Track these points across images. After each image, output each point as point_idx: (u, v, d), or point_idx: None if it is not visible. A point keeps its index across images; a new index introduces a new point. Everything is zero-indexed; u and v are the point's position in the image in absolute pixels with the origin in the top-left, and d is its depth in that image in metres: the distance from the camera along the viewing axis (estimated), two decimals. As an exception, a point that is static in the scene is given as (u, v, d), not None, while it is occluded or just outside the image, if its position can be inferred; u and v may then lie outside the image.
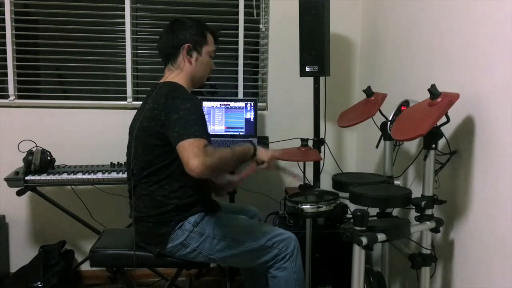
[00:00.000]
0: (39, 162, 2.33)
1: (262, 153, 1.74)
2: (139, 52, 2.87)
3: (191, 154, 1.46)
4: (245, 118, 2.67)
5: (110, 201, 2.62)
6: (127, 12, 2.71)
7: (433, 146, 1.55)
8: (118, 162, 2.50)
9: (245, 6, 2.80)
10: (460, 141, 1.63)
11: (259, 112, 2.75)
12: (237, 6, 2.81)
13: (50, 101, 2.75)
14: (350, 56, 2.87)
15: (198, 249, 1.72)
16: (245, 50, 2.85)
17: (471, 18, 1.58)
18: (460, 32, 1.65)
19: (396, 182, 1.97)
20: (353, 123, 1.99)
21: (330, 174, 2.32)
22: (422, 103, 1.59)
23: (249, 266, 1.87)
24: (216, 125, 2.68)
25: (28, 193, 2.35)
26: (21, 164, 2.36)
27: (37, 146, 2.40)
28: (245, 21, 2.82)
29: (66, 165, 2.54)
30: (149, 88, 1.83)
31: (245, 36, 2.83)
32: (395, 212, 2.09)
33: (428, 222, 1.56)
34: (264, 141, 2.70)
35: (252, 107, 2.67)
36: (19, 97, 2.73)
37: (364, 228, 1.40)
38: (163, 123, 1.62)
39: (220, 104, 2.69)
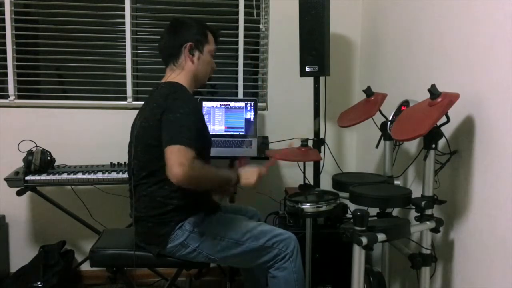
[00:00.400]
0: (39, 162, 2.33)
1: (247, 180, 1.72)
2: (139, 52, 2.87)
3: (177, 162, 1.48)
4: (245, 118, 2.67)
5: (110, 201, 2.62)
6: (127, 12, 2.71)
7: (433, 146, 1.55)
8: (118, 162, 2.50)
9: (245, 6, 2.80)
10: (460, 141, 1.63)
11: (259, 112, 2.75)
12: (237, 6, 2.81)
13: (50, 101, 2.75)
14: (350, 56, 2.87)
15: (198, 249, 1.72)
16: (245, 50, 2.85)
17: (471, 18, 1.58)
18: (460, 32, 1.65)
19: (396, 182, 1.97)
20: (353, 123, 1.99)
21: (330, 174, 2.32)
22: (422, 103, 1.59)
23: (249, 266, 1.87)
24: (216, 125, 2.68)
25: (28, 193, 2.35)
26: (21, 164, 2.37)
27: (37, 146, 2.40)
28: (245, 21, 2.82)
29: (66, 165, 2.54)
30: (150, 88, 1.83)
31: (245, 36, 2.83)
32: (395, 212, 2.09)
33: (428, 222, 1.56)
34: (264, 141, 2.70)
35: (252, 107, 2.67)
36: (19, 97, 2.73)
37: (364, 228, 1.40)
38: (160, 123, 1.61)
39: (220, 104, 2.69)
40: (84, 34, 2.74)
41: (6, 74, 2.67)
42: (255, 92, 2.98)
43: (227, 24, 2.87)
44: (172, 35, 1.78)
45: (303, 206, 1.71)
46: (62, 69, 2.85)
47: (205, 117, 2.31)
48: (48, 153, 2.40)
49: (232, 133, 2.68)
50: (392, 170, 1.98)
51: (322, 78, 2.47)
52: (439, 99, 1.47)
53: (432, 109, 1.47)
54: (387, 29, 2.39)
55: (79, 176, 2.34)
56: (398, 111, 1.80)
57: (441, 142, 1.65)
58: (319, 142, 2.46)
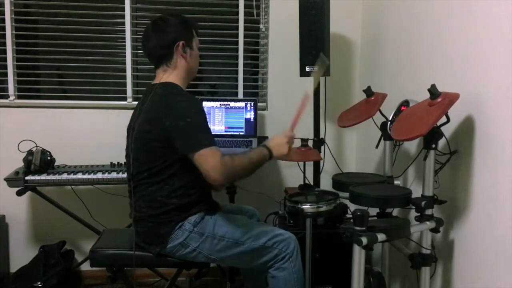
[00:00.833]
0: (39, 162, 2.33)
1: (280, 151, 1.70)
2: (139, 52, 2.86)
3: (210, 167, 1.53)
4: (245, 118, 2.67)
5: (110, 201, 2.62)
6: (127, 12, 2.71)
7: (433, 146, 1.55)
8: (118, 162, 2.50)
9: (245, 6, 2.80)
10: (460, 141, 1.63)
11: (259, 112, 2.75)
12: (237, 6, 2.81)
13: (50, 101, 2.75)
14: (350, 56, 2.87)
15: (198, 249, 1.72)
16: (245, 50, 2.85)
17: (471, 18, 1.58)
18: (460, 32, 1.65)
19: (396, 182, 1.97)
20: (353, 123, 1.99)
21: (330, 174, 2.32)
22: (422, 103, 1.59)
23: (249, 266, 1.87)
24: (216, 125, 2.68)
25: (28, 193, 2.35)
26: (21, 164, 2.36)
27: (37, 146, 2.40)
28: (245, 21, 2.82)
29: (66, 165, 2.54)
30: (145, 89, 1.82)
31: (245, 36, 2.83)
32: (395, 212, 2.09)
33: (428, 222, 1.56)
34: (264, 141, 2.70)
35: (252, 107, 2.67)
36: (19, 97, 2.73)
37: (364, 228, 1.40)
38: (166, 127, 1.61)
39: (220, 104, 2.69)
40: (84, 34, 2.74)
41: (6, 74, 2.67)
42: (255, 92, 2.98)
43: (227, 24, 2.87)
44: (159, 35, 1.75)
45: (303, 206, 1.72)
46: (62, 69, 2.85)
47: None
48: (48, 153, 2.40)
49: (232, 133, 2.68)
50: (392, 170, 1.98)
51: (322, 78, 2.47)
52: (439, 99, 1.47)
53: (432, 109, 1.47)
54: (387, 29, 2.39)
55: (79, 176, 2.34)
56: (398, 111, 1.80)
57: (441, 142, 1.64)
58: (319, 142, 2.47)
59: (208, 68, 2.92)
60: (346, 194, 1.70)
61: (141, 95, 2.80)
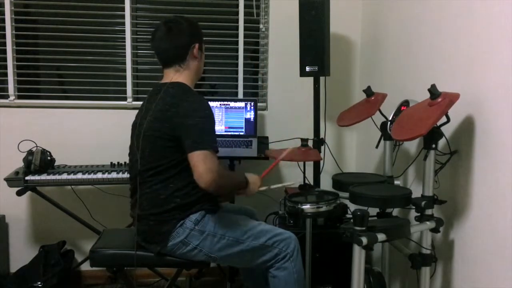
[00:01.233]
0: (39, 162, 2.33)
1: (252, 189, 1.81)
2: (139, 52, 2.87)
3: (206, 169, 1.55)
4: (245, 118, 2.67)
5: (110, 201, 2.62)
6: (127, 12, 2.71)
7: (433, 146, 1.55)
8: (118, 162, 2.50)
9: (245, 6, 2.80)
10: (460, 141, 1.63)
11: (259, 112, 2.75)
12: (237, 6, 2.81)
13: (50, 101, 2.75)
14: (350, 56, 2.87)
15: (198, 247, 1.73)
16: (245, 50, 2.85)
17: (471, 18, 1.58)
18: (460, 32, 1.65)
19: (396, 182, 1.97)
20: (353, 122, 1.99)
21: (330, 174, 2.32)
22: (422, 103, 1.59)
23: (249, 265, 1.87)
24: (216, 125, 2.67)
25: (28, 193, 2.35)
26: (21, 164, 2.36)
27: (37, 146, 2.40)
28: (245, 21, 2.82)
29: (66, 165, 2.54)
30: (150, 88, 1.83)
31: (245, 36, 2.83)
32: (395, 212, 2.09)
33: (428, 222, 1.57)
34: (264, 141, 2.70)
35: (252, 107, 2.67)
36: (19, 97, 2.73)
37: (364, 228, 1.40)
38: (175, 125, 1.64)
39: (220, 104, 2.69)
40: (84, 34, 2.74)
41: (6, 74, 2.67)
42: (255, 92, 2.98)
43: (227, 24, 2.87)
44: (176, 36, 1.76)
45: (303, 207, 1.71)
46: (62, 69, 2.85)
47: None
48: (48, 153, 2.40)
49: (232, 133, 2.68)
50: (392, 170, 1.98)
51: (322, 78, 2.47)
52: (439, 99, 1.48)
53: (432, 109, 1.48)
54: (387, 29, 2.39)
55: (79, 176, 2.34)
56: (398, 111, 1.80)
57: (441, 142, 1.65)
58: (319, 142, 2.47)
59: (208, 68, 2.92)
60: (346, 194, 1.70)
61: (140, 95, 2.84)
